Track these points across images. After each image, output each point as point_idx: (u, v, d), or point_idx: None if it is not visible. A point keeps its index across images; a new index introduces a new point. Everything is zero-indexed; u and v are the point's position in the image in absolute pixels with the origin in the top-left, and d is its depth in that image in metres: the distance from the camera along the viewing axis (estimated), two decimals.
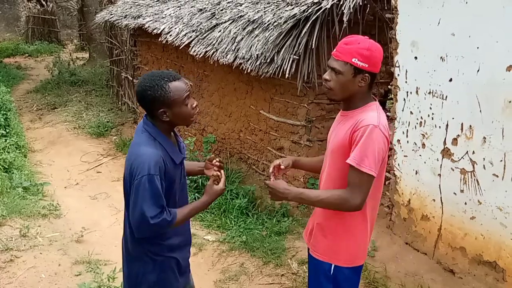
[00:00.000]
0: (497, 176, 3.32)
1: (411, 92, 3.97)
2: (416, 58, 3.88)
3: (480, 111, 3.37)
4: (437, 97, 3.71)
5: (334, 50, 2.20)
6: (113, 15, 8.56)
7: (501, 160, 3.27)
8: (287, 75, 4.66)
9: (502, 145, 3.25)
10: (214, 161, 2.49)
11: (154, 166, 2.10)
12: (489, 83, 3.30)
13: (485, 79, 3.32)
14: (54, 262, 4.23)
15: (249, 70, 4.99)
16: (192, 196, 5.20)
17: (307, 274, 3.96)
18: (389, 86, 4.44)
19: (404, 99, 4.04)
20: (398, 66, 4.07)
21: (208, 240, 4.70)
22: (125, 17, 8.03)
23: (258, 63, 4.87)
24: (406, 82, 4.01)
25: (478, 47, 3.35)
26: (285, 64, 4.65)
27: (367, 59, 2.13)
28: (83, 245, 4.65)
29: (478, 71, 3.36)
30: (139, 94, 2.19)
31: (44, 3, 19.51)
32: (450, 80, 3.58)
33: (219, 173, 2.37)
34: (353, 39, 2.18)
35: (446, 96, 3.63)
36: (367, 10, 4.87)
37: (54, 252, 4.39)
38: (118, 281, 3.82)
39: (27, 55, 16.57)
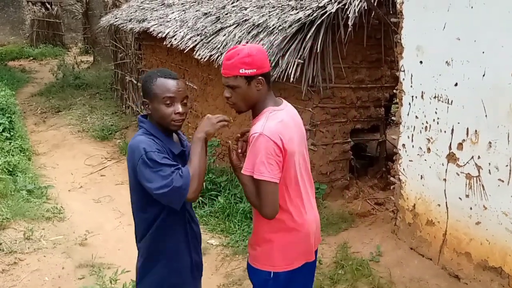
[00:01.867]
0: (503, 181, 3.30)
1: (416, 97, 3.95)
2: (421, 62, 3.87)
3: (486, 115, 3.35)
4: (442, 101, 3.70)
5: (222, 69, 2.27)
6: (118, 19, 8.60)
7: (507, 165, 3.26)
8: (291, 79, 4.66)
9: (507, 150, 3.24)
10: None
11: (148, 145, 2.10)
12: (494, 87, 3.29)
13: (490, 83, 3.31)
14: (58, 265, 4.23)
15: None
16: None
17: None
18: (394, 91, 4.43)
19: (409, 104, 4.03)
20: (403, 71, 4.06)
21: (211, 244, 4.69)
22: (130, 21, 8.06)
23: None
24: (411, 86, 4.00)
25: (483, 52, 3.34)
26: (289, 68, 4.65)
27: (252, 65, 2.19)
28: (87, 248, 4.65)
29: (483, 75, 3.34)
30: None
31: (49, 6, 19.64)
32: (456, 84, 3.57)
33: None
34: (232, 52, 2.23)
35: (452, 101, 3.62)
36: (372, 14, 4.87)
37: (58, 255, 4.40)
38: (120, 284, 3.82)
39: (31, 58, 16.67)
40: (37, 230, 4.73)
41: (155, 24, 7.11)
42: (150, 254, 2.30)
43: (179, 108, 2.19)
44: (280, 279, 2.36)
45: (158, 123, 2.23)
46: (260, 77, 2.23)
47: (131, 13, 8.37)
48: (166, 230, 2.27)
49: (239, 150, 2.40)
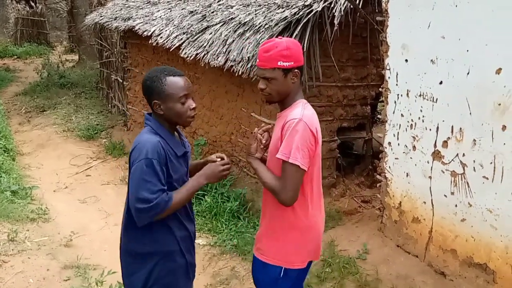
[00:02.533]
0: (487, 178, 3.33)
1: (401, 95, 3.97)
2: (406, 60, 3.89)
3: (470, 113, 3.38)
4: (427, 99, 3.72)
5: (258, 60, 2.32)
6: (103, 17, 8.51)
7: (491, 163, 3.29)
8: None
9: (492, 147, 3.27)
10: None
11: (151, 150, 2.11)
12: (478, 85, 3.31)
13: (474, 81, 3.34)
14: (43, 266, 4.18)
15: (240, 73, 4.97)
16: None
17: None
18: (380, 89, 4.45)
19: (395, 102, 4.05)
20: (389, 69, 4.08)
21: (199, 244, 4.68)
22: (115, 19, 7.98)
23: (249, 65, 4.85)
24: (396, 84, 4.02)
25: (468, 50, 3.36)
26: None
27: (290, 57, 2.25)
28: (72, 249, 4.61)
29: (468, 74, 3.37)
30: (142, 84, 2.25)
31: (33, 4, 19.40)
32: (441, 82, 3.59)
33: (217, 157, 2.39)
34: (270, 45, 2.27)
35: (437, 99, 3.64)
36: (358, 13, 4.88)
37: (43, 257, 4.35)
38: (107, 285, 3.79)
39: (15, 57, 16.45)
40: (22, 232, 4.67)
41: (141, 23, 7.05)
42: (142, 253, 2.27)
43: (193, 104, 2.26)
44: (291, 276, 2.38)
45: (168, 121, 2.25)
46: (296, 70, 2.29)
47: (116, 11, 8.29)
48: (161, 230, 2.26)
49: (264, 141, 2.43)
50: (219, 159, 2.38)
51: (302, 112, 2.25)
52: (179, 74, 2.23)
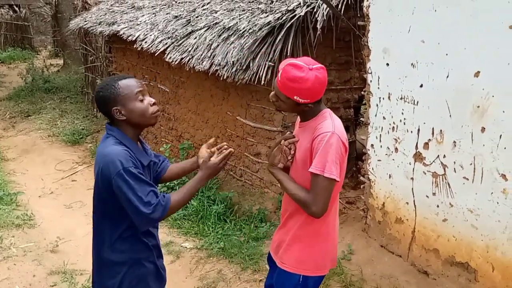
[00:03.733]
0: (468, 179, 3.41)
1: (383, 98, 4.04)
2: (388, 64, 3.96)
3: (450, 116, 3.46)
4: (408, 102, 3.79)
5: (279, 77, 2.23)
6: (87, 22, 8.50)
7: (471, 164, 3.36)
8: (263, 82, 4.70)
9: (471, 148, 3.34)
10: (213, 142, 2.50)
11: (125, 160, 2.08)
12: (458, 88, 3.39)
13: (454, 84, 3.41)
14: (29, 273, 4.17)
15: (225, 77, 5.01)
16: None
17: None
18: (362, 92, 4.52)
19: (377, 105, 4.12)
20: (371, 73, 4.15)
21: (185, 247, 4.70)
22: (99, 24, 7.98)
23: (234, 69, 4.90)
24: (378, 88, 4.09)
25: (447, 54, 3.44)
26: (260, 71, 4.69)
27: (308, 97, 2.21)
28: (59, 255, 4.60)
29: (447, 77, 3.45)
30: (95, 98, 2.23)
31: (17, 9, 19.21)
32: (421, 86, 3.67)
33: (215, 149, 2.36)
34: (297, 76, 2.18)
35: (417, 102, 3.72)
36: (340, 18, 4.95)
37: (29, 263, 4.33)
38: None
39: None
40: (7, 238, 4.64)
41: (125, 27, 7.06)
42: (114, 263, 2.25)
43: (152, 99, 2.24)
44: (309, 284, 2.39)
45: (133, 126, 2.23)
46: (310, 105, 2.25)
47: (100, 16, 8.28)
48: (133, 238, 2.26)
49: (291, 154, 2.39)
50: (211, 154, 2.35)
51: (333, 124, 2.23)
52: (129, 77, 2.24)
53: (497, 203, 3.27)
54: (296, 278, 2.37)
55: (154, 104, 2.24)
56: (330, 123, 2.24)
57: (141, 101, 2.19)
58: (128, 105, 2.17)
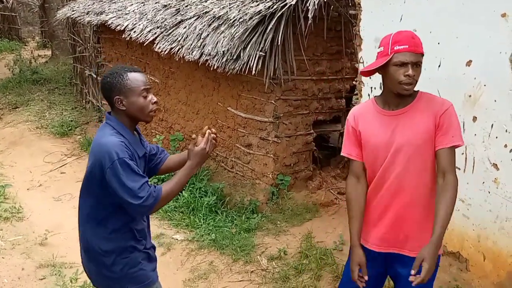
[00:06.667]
0: (459, 168, 3.39)
1: (375, 88, 4.02)
2: None
3: None
4: None
5: (406, 46, 2.19)
6: (75, 12, 8.38)
7: (463, 153, 3.35)
8: (253, 72, 4.66)
9: (463, 138, 3.33)
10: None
11: (121, 151, 2.10)
12: (449, 77, 3.37)
13: (446, 74, 3.40)
14: (17, 266, 4.12)
15: (215, 67, 4.96)
16: None
17: (276, 270, 3.99)
18: (354, 82, 4.49)
19: (369, 95, 4.09)
20: (362, 62, 4.12)
21: (176, 239, 4.66)
22: (87, 14, 7.87)
23: (224, 59, 4.85)
24: (370, 77, 4.05)
25: (439, 43, 3.42)
26: (251, 61, 4.65)
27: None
28: (47, 248, 4.54)
29: (439, 66, 3.43)
30: (101, 83, 2.24)
31: None
32: None
33: (197, 136, 2.32)
34: (409, 33, 2.24)
35: None
36: (332, 6, 4.91)
37: (17, 256, 4.28)
38: (81, 282, 3.76)
39: None
40: None
41: (114, 17, 6.97)
42: (105, 251, 2.26)
43: (154, 98, 2.26)
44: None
45: (130, 118, 2.24)
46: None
47: (88, 5, 8.16)
48: (124, 228, 2.26)
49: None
50: (195, 142, 2.31)
51: (442, 100, 2.29)
52: (139, 70, 2.26)
53: (489, 192, 3.27)
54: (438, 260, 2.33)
55: (156, 103, 2.27)
56: (440, 98, 2.32)
57: (145, 97, 2.22)
58: (130, 98, 2.20)
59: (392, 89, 2.27)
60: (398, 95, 2.26)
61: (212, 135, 2.32)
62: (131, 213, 2.18)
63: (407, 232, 2.33)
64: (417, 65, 2.20)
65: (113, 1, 7.62)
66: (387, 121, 2.31)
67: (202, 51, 5.12)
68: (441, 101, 2.28)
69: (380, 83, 3.92)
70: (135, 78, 2.20)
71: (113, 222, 2.23)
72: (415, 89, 2.32)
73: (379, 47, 2.31)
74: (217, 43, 4.96)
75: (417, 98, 2.30)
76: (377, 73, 2.41)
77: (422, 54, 2.22)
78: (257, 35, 4.68)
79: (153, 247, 2.47)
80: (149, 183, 2.16)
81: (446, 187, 2.21)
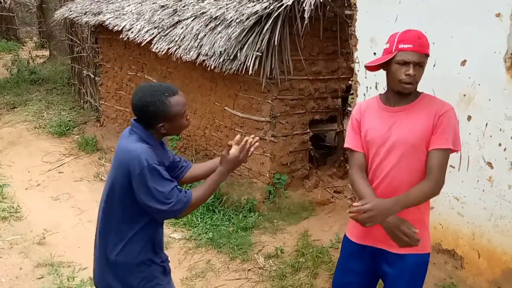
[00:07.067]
0: (454, 167, 3.43)
1: (370, 87, 4.04)
2: (375, 54, 3.95)
3: None
4: None
5: (410, 45, 2.20)
6: (72, 12, 8.38)
7: (457, 152, 3.38)
8: (250, 72, 4.68)
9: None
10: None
11: (150, 157, 2.09)
12: (444, 77, 3.40)
13: (441, 73, 3.42)
14: (15, 265, 4.14)
15: (212, 67, 4.99)
16: None
17: (273, 268, 4.01)
18: (349, 82, 4.52)
19: (364, 94, 4.12)
20: (358, 62, 4.14)
21: (174, 238, 4.69)
22: (85, 14, 7.88)
23: (221, 60, 4.87)
24: (365, 77, 4.09)
25: (433, 43, 3.42)
26: (248, 61, 4.67)
27: (429, 46, 2.26)
28: (46, 247, 4.56)
29: (434, 65, 3.45)
30: (139, 108, 2.17)
31: (1, 0, 18.90)
32: None
33: (232, 142, 2.33)
34: (417, 32, 2.25)
35: None
36: (328, 7, 4.93)
37: (15, 256, 4.30)
38: (78, 281, 3.77)
39: None
40: None
41: (111, 17, 6.98)
42: (123, 264, 2.22)
43: (188, 113, 2.28)
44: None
45: (164, 134, 2.23)
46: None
47: (86, 6, 8.17)
48: (144, 240, 2.24)
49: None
50: (229, 148, 2.33)
51: (444, 102, 2.28)
52: (177, 91, 2.22)
53: (483, 190, 3.30)
54: (425, 257, 2.42)
55: (189, 117, 2.29)
56: (441, 101, 2.30)
57: (186, 118, 2.23)
58: (174, 123, 2.20)
59: (393, 87, 2.29)
60: (399, 93, 2.28)
61: (251, 144, 2.34)
62: (159, 219, 2.19)
63: None
64: (419, 65, 2.21)
65: (111, 2, 7.63)
66: (386, 117, 2.33)
67: (199, 51, 5.14)
68: (442, 103, 2.29)
69: (376, 83, 3.97)
70: (178, 102, 2.17)
71: (136, 232, 2.20)
72: (420, 90, 2.34)
73: (386, 43, 2.33)
74: (214, 43, 4.98)
75: (419, 98, 2.32)
76: (376, 72, 2.44)
77: (427, 55, 2.24)
78: (253, 35, 4.70)
79: (167, 259, 2.45)
80: (179, 187, 2.16)
81: (425, 182, 2.20)
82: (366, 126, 2.38)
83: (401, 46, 2.22)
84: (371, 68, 2.42)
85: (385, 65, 2.30)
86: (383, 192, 2.29)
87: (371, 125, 2.36)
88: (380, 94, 2.45)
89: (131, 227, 2.20)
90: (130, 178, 2.08)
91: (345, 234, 2.56)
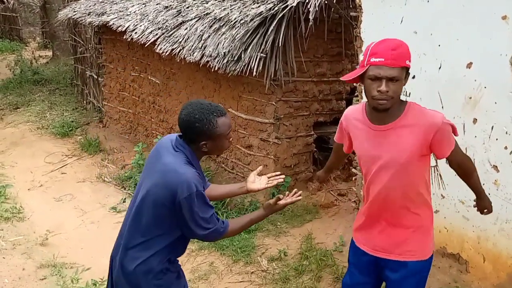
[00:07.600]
0: None
1: None
2: None
3: (442, 107, 3.45)
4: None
5: (381, 59, 2.03)
6: (76, 12, 8.38)
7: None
8: (254, 73, 4.67)
9: (463, 140, 3.34)
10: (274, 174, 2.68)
11: (199, 183, 2.15)
12: (450, 79, 3.38)
13: (446, 76, 3.41)
14: (18, 266, 4.13)
15: (216, 68, 4.97)
16: None
17: (276, 271, 4.00)
18: (354, 84, 4.50)
19: None
20: None
21: None
22: (88, 14, 7.87)
23: (225, 61, 4.86)
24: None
25: (439, 45, 3.43)
26: (252, 62, 4.66)
27: (410, 57, 2.12)
28: (48, 248, 4.56)
29: (439, 68, 3.44)
30: (186, 123, 2.20)
31: (4, 0, 18.94)
32: (413, 77, 3.64)
33: (283, 196, 2.45)
34: (394, 42, 2.09)
35: (410, 93, 3.70)
36: (332, 8, 4.92)
37: (18, 256, 4.29)
38: (82, 282, 3.76)
39: None
40: None
41: (115, 18, 6.98)
42: (142, 273, 2.24)
43: (232, 136, 2.34)
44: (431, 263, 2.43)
45: (205, 153, 2.29)
46: (409, 71, 2.15)
47: (90, 6, 8.16)
48: (168, 253, 2.29)
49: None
50: (278, 198, 2.43)
51: (435, 112, 2.22)
52: (225, 113, 2.25)
53: (489, 194, 3.25)
54: (426, 263, 2.44)
55: (232, 139, 2.35)
56: (433, 111, 2.22)
57: (229, 140, 2.29)
58: (217, 142, 2.24)
59: (369, 103, 2.18)
60: (375, 109, 2.15)
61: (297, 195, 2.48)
62: (191, 237, 2.27)
63: (396, 240, 2.35)
64: (394, 80, 2.04)
65: (115, 2, 7.63)
66: (372, 136, 2.24)
67: (203, 52, 5.13)
68: (431, 115, 2.16)
69: None
70: (224, 123, 2.21)
71: (163, 248, 2.22)
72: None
73: (361, 54, 2.29)
74: (218, 44, 4.97)
75: (404, 113, 2.17)
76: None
77: (405, 67, 2.09)
78: (258, 36, 4.69)
79: (180, 265, 2.48)
80: (217, 215, 2.25)
81: (471, 169, 2.41)
82: (353, 138, 2.38)
83: (372, 60, 2.06)
84: (349, 81, 2.28)
85: (360, 79, 2.16)
86: (380, 207, 2.32)
87: (359, 142, 2.33)
88: (366, 103, 2.28)
89: (157, 242, 2.22)
90: (174, 198, 2.11)
91: (352, 238, 2.59)
